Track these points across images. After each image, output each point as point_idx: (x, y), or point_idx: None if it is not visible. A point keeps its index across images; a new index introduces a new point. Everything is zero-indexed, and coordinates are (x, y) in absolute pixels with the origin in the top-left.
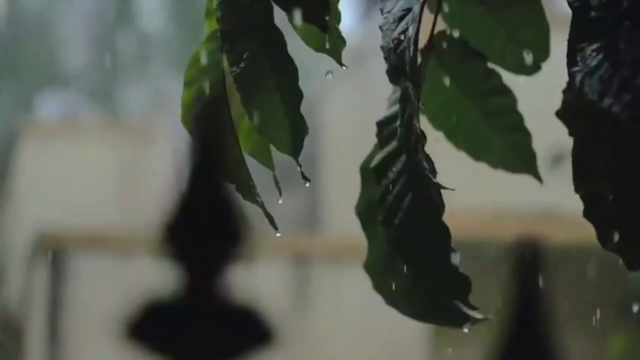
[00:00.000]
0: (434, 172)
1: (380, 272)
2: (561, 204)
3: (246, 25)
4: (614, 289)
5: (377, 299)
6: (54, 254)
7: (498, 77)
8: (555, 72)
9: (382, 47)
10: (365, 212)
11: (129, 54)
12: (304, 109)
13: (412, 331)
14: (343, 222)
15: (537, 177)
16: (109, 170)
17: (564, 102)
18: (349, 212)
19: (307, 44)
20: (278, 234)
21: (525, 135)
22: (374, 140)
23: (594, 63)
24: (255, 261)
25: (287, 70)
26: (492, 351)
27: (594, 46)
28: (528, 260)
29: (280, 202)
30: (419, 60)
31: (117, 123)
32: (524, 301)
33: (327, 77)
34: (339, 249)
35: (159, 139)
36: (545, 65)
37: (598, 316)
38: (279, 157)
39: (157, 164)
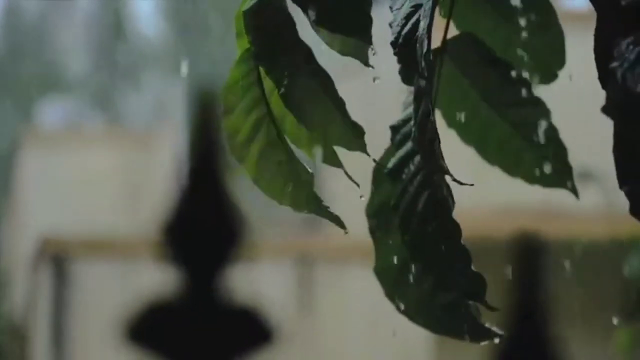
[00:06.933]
0: (447, 170)
1: (392, 279)
2: (562, 199)
3: (277, 44)
4: (615, 284)
5: (382, 300)
6: (58, 260)
7: (527, 85)
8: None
9: (391, 44)
10: (376, 215)
11: (130, 61)
12: None
13: (418, 332)
14: (347, 222)
15: (575, 192)
16: (110, 177)
17: (608, 98)
18: (352, 212)
19: (332, 48)
20: (346, 232)
21: (560, 148)
22: (378, 139)
23: (632, 56)
24: (259, 262)
25: (328, 81)
26: (495, 347)
27: (630, 39)
28: (529, 256)
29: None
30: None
31: (118, 130)
32: (525, 297)
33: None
34: (343, 249)
35: (161, 145)
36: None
37: (600, 312)
38: None
39: (159, 170)
